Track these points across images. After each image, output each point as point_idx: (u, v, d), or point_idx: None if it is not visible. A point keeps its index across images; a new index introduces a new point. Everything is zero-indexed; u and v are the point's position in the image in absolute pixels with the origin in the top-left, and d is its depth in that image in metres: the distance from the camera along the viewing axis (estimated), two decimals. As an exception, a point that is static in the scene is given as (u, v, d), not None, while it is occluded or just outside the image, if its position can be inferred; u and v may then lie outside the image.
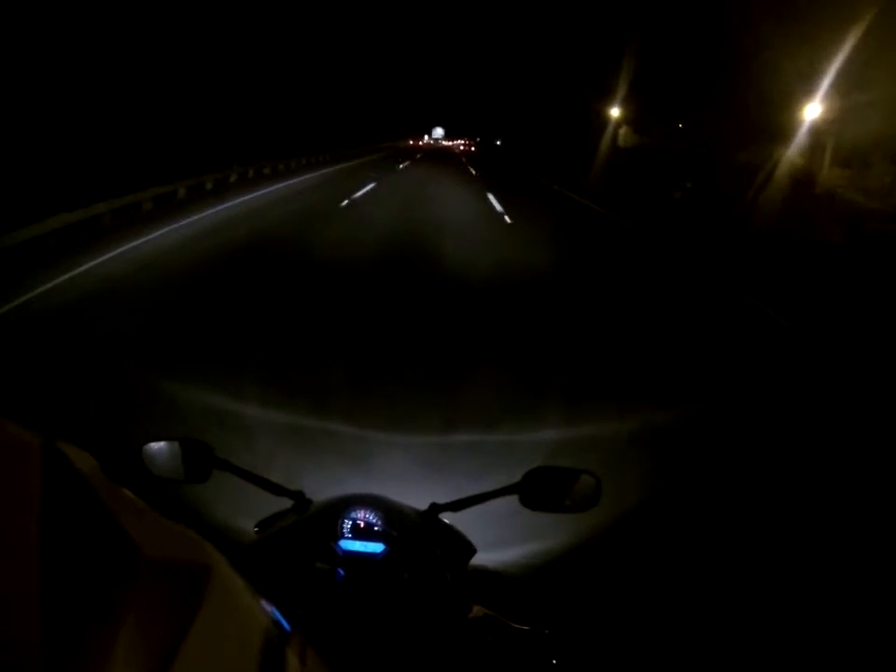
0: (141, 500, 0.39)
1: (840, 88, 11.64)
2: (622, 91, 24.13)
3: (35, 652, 0.27)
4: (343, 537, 1.01)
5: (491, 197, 15.80)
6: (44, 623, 0.28)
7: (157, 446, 1.09)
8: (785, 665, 1.95)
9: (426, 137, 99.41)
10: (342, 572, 0.96)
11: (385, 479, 2.78)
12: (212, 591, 0.37)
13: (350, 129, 39.96)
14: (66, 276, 6.27)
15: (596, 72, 26.68)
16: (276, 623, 0.45)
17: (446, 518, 1.12)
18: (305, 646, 0.50)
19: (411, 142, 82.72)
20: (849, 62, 10.88)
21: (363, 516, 1.03)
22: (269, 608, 0.49)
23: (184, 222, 9.94)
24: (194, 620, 0.34)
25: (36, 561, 0.29)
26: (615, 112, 26.08)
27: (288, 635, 0.47)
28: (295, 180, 17.94)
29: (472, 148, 78.40)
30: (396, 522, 1.04)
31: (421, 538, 1.06)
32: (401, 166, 28.05)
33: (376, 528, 1.02)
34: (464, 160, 40.82)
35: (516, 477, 1.10)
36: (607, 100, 25.92)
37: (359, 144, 37.62)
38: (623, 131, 27.48)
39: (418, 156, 40.94)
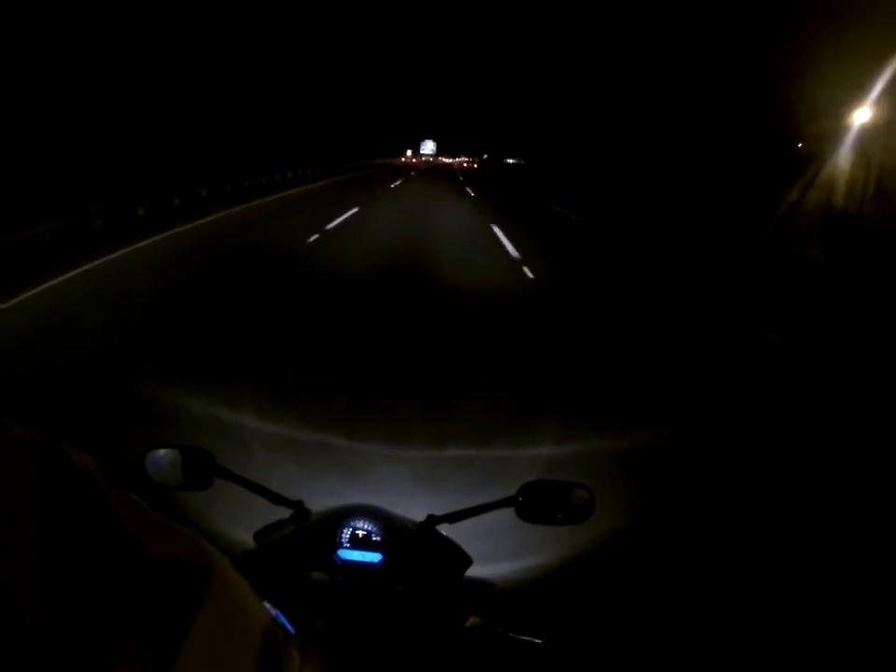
0: (142, 501, 0.39)
1: None
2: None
3: (37, 652, 0.27)
4: (341, 546, 1.04)
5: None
6: (45, 622, 0.28)
7: (158, 453, 1.11)
8: None
9: (408, 153, 75.18)
10: (340, 581, 0.99)
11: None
12: (213, 591, 0.37)
13: (315, 144, 32.31)
14: None
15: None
16: (278, 625, 0.45)
17: (443, 530, 1.14)
18: (307, 647, 0.51)
19: (403, 159, 65.47)
20: None
21: (362, 526, 1.06)
22: (271, 609, 0.49)
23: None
24: (195, 620, 0.34)
25: (37, 561, 0.29)
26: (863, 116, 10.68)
27: (291, 636, 0.48)
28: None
29: (475, 165, 63.39)
30: (394, 532, 1.07)
31: (418, 548, 1.09)
32: (337, 223, 12.18)
33: (375, 538, 1.05)
34: (477, 198, 21.33)
35: (512, 489, 1.12)
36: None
37: (329, 161, 29.70)
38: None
39: (394, 184, 25.72)
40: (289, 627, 0.53)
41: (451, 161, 77.02)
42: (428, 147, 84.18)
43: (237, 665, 0.37)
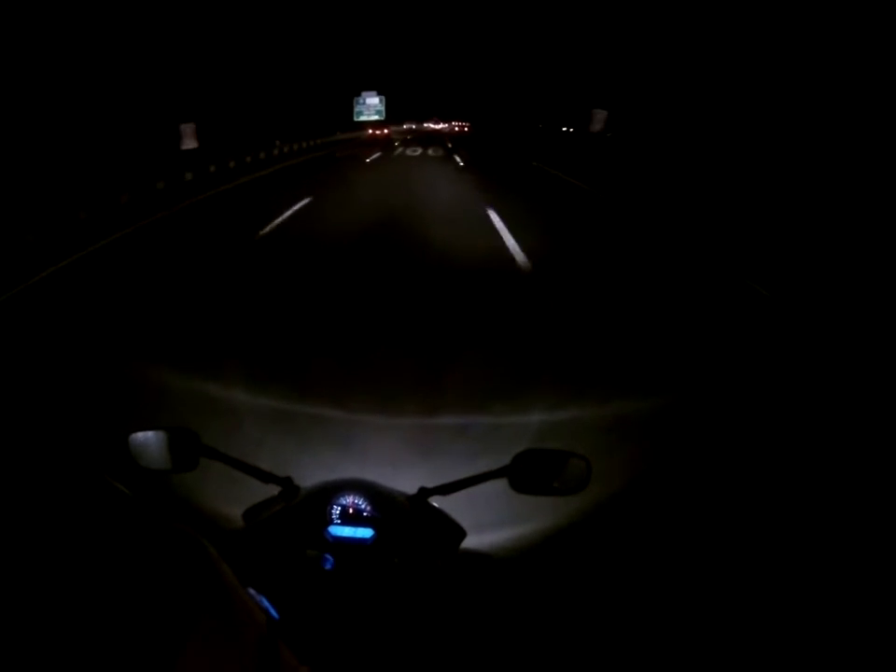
0: (134, 496, 0.40)
1: None
2: None
3: (35, 650, 0.28)
4: (332, 523, 1.02)
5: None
6: (43, 623, 0.28)
7: (143, 436, 1.08)
8: (782, 651, 1.90)
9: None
10: (331, 558, 0.97)
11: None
12: (205, 586, 0.37)
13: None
14: None
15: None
16: (267, 613, 0.45)
17: (435, 502, 1.13)
18: (296, 635, 0.50)
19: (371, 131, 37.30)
20: None
21: (352, 501, 1.04)
22: (259, 598, 0.50)
23: None
24: (188, 615, 0.34)
25: (34, 560, 0.29)
26: None
27: (278, 624, 0.47)
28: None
29: (467, 129, 44.05)
30: (385, 507, 1.05)
31: (410, 522, 1.07)
32: None
33: (365, 514, 1.03)
34: None
35: (505, 460, 1.11)
36: None
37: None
38: None
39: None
40: (274, 613, 0.53)
41: (438, 127, 49.25)
42: (370, 103, 44.15)
43: (230, 659, 0.37)
